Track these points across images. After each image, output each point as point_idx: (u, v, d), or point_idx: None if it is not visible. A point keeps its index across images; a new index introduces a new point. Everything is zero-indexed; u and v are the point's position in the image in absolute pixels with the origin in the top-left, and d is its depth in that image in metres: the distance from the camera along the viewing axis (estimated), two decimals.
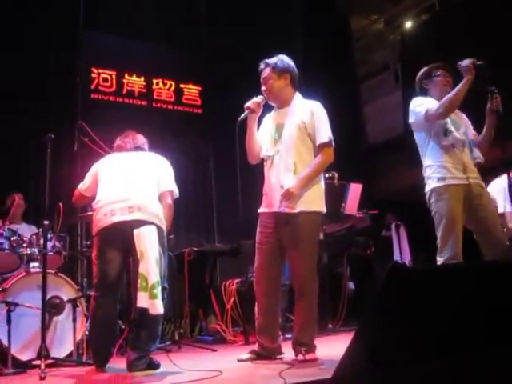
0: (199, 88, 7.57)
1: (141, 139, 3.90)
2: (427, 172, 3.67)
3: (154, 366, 3.33)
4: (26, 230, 4.86)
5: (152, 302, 3.17)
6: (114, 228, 3.34)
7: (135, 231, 3.24)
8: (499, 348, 1.07)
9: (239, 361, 3.39)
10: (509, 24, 6.60)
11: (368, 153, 8.52)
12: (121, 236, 3.32)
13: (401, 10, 9.14)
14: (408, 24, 9.05)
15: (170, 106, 7.36)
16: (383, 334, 1.19)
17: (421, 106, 3.70)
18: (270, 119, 3.61)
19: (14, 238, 4.33)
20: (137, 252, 3.22)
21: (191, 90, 7.54)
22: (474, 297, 1.14)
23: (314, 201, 3.40)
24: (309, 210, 3.35)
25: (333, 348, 3.78)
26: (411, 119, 3.79)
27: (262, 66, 3.61)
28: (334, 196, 5.68)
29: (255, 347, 3.47)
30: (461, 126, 3.76)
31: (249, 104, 3.50)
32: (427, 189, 3.65)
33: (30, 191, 5.87)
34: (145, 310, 3.19)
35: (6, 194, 5.27)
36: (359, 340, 1.17)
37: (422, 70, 3.91)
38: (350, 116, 8.44)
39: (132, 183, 3.49)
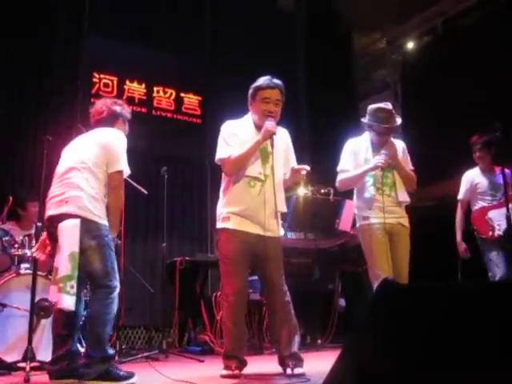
0: (199, 98, 7.59)
1: (98, 109, 3.52)
2: None
3: (114, 376, 3.09)
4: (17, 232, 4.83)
5: (59, 295, 3.01)
6: (48, 222, 3.25)
7: (59, 225, 3.11)
8: (487, 369, 1.07)
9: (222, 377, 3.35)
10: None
11: None
12: (53, 230, 3.19)
13: (403, 30, 9.19)
14: (410, 45, 9.09)
15: (169, 115, 7.36)
16: (371, 349, 1.18)
17: (340, 162, 4.11)
18: (249, 137, 3.48)
19: (6, 238, 4.33)
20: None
21: (191, 100, 7.56)
22: (464, 316, 1.14)
23: None
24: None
25: (321, 363, 3.76)
26: None
27: (272, 84, 3.50)
28: (329, 212, 5.69)
29: (233, 368, 3.33)
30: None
31: (275, 130, 3.42)
32: None
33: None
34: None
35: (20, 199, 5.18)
36: (347, 355, 1.16)
37: (371, 107, 4.08)
38: (349, 133, 8.47)
39: (68, 174, 3.24)
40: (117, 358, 4.28)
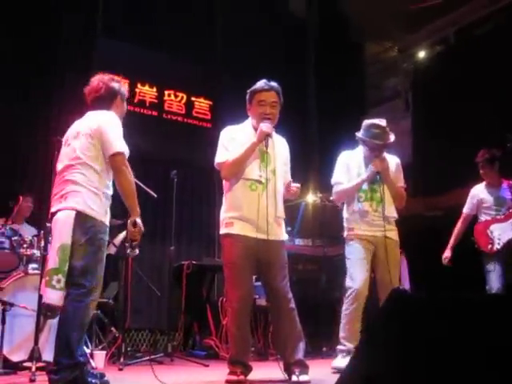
0: (210, 102, 7.61)
1: (95, 86, 3.32)
2: None
3: None
4: (26, 232, 4.87)
5: (45, 289, 2.89)
6: (51, 220, 3.12)
7: (54, 218, 3.02)
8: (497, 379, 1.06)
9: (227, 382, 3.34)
10: None
11: None
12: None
13: (415, 39, 9.18)
14: (421, 54, 9.08)
15: (180, 119, 7.39)
16: (380, 361, 1.17)
17: (334, 174, 4.23)
18: (247, 137, 3.48)
19: (15, 238, 4.34)
20: None
21: (202, 104, 7.58)
22: (476, 330, 1.13)
23: None
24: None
25: (326, 371, 3.75)
26: None
27: (266, 87, 3.52)
28: (337, 219, 5.67)
29: (238, 373, 3.31)
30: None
31: (270, 131, 3.44)
32: None
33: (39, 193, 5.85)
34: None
35: (15, 194, 5.26)
36: (355, 365, 1.16)
37: (366, 122, 4.16)
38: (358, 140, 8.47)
39: (66, 172, 3.10)
40: (122, 360, 4.29)
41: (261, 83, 3.55)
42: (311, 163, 8.04)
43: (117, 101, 3.33)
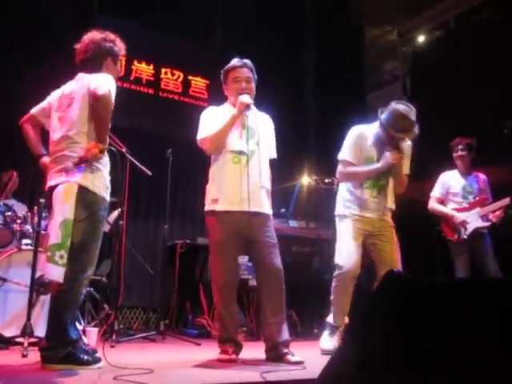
0: (207, 81, 7.55)
1: (84, 47, 3.18)
2: None
3: (76, 360, 2.83)
4: (16, 207, 4.84)
5: (47, 265, 2.83)
6: (48, 193, 3.04)
7: (55, 190, 2.95)
8: (489, 365, 1.07)
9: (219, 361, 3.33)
10: None
11: None
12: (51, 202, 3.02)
13: (415, 23, 9.14)
14: (421, 38, 9.05)
15: (176, 97, 7.34)
16: (372, 339, 1.18)
17: (343, 151, 3.98)
18: (227, 114, 3.51)
19: (9, 213, 4.32)
20: None
21: (199, 83, 7.52)
22: (470, 313, 1.13)
23: None
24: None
25: (317, 352, 3.78)
26: None
27: (238, 63, 3.61)
28: (332, 201, 5.68)
29: (230, 352, 3.33)
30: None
31: (249, 101, 3.48)
32: None
33: (28, 169, 5.80)
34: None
35: (3, 169, 5.22)
36: (349, 342, 1.16)
37: (395, 108, 3.75)
38: (355, 123, 8.45)
39: (62, 139, 3.01)
40: (114, 337, 4.31)
41: (234, 61, 3.65)
42: (307, 145, 8.03)
43: (106, 62, 3.17)
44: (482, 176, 5.10)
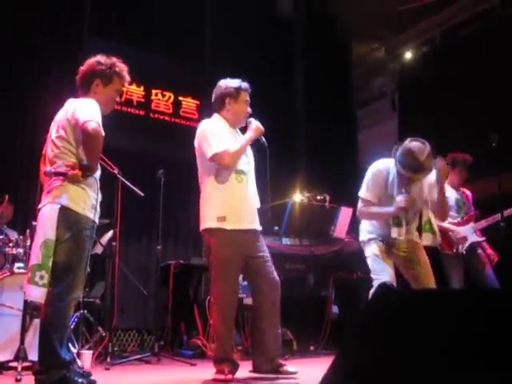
0: (197, 102, 7.60)
1: (80, 70, 3.18)
2: None
3: (70, 383, 2.80)
4: (8, 233, 4.83)
5: (28, 286, 2.80)
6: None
7: (39, 212, 2.95)
8: (480, 372, 1.08)
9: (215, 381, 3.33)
10: (509, 63, 6.69)
11: (360, 178, 8.55)
12: None
13: (402, 40, 9.26)
14: (408, 54, 9.16)
15: (167, 118, 7.37)
16: (366, 352, 1.18)
17: (364, 188, 3.76)
18: (229, 134, 3.61)
19: (1, 237, 4.31)
20: None
21: (189, 104, 7.57)
22: (461, 323, 1.14)
23: None
24: None
25: (313, 370, 3.77)
26: None
27: (249, 88, 3.72)
28: (324, 218, 5.70)
29: (226, 372, 3.31)
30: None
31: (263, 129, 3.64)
32: None
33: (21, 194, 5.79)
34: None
35: None
36: (341, 358, 1.17)
37: (407, 147, 3.50)
38: (345, 140, 8.52)
39: (47, 162, 3.01)
40: (109, 359, 4.28)
41: (243, 83, 3.71)
42: (299, 163, 8.07)
43: (94, 85, 3.12)
44: (467, 192, 5.15)
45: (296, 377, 3.16)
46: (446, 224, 5.00)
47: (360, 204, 3.76)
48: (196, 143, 3.65)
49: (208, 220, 3.48)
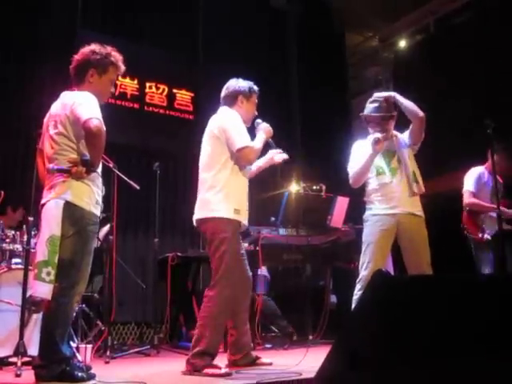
0: (192, 94, 7.58)
1: (76, 57, 3.15)
2: None
3: (70, 377, 2.82)
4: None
5: (34, 282, 2.83)
6: (40, 212, 3.03)
7: (43, 208, 2.95)
8: (478, 358, 1.09)
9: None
10: (502, 51, 6.69)
11: None
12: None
13: (396, 28, 9.23)
14: (402, 43, 9.14)
15: (161, 111, 7.35)
16: (364, 337, 1.20)
17: (350, 162, 4.00)
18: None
19: None
20: None
21: (184, 96, 7.55)
22: (457, 307, 1.15)
23: None
24: None
25: (312, 359, 3.78)
26: None
27: (258, 92, 3.74)
28: (321, 208, 5.71)
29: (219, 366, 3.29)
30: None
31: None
32: None
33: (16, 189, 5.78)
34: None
35: None
36: (339, 345, 1.17)
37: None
38: (341, 129, 8.52)
39: (47, 158, 3.03)
40: (108, 353, 4.29)
41: (256, 87, 3.75)
42: (294, 153, 8.07)
43: (89, 75, 3.08)
44: (500, 179, 4.95)
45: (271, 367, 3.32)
46: (490, 204, 4.89)
47: (349, 175, 3.98)
48: (217, 128, 3.49)
49: (222, 210, 3.38)
